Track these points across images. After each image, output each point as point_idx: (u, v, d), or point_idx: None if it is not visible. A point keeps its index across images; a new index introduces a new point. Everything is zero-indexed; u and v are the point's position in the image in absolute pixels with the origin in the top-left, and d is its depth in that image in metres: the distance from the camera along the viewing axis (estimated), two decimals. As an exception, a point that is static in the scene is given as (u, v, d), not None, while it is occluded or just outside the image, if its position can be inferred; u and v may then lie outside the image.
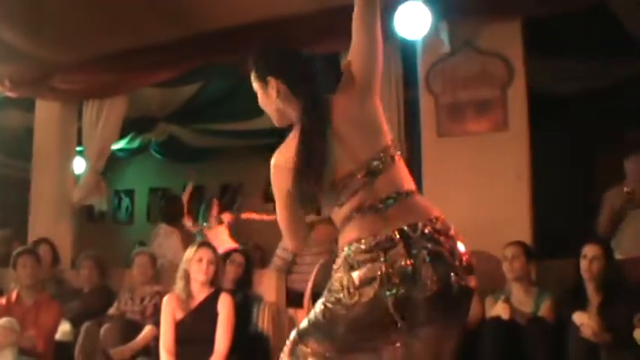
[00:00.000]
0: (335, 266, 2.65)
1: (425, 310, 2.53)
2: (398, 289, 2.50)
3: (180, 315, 4.95)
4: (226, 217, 8.46)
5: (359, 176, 2.64)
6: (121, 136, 8.84)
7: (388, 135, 2.75)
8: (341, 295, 2.57)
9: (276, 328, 5.74)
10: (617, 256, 5.34)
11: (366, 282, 2.53)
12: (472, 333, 4.83)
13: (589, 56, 6.80)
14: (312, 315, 2.70)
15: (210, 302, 4.97)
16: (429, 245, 2.55)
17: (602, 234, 5.61)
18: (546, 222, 5.77)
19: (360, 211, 2.64)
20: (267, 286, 6.11)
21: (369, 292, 2.52)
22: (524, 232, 5.51)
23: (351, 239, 2.62)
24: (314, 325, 2.68)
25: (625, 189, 5.61)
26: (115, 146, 8.99)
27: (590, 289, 4.84)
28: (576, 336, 4.49)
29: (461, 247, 2.63)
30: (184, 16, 6.28)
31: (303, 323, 2.74)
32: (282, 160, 2.74)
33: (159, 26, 6.48)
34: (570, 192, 5.80)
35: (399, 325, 2.53)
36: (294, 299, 6.37)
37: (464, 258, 2.61)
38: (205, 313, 4.95)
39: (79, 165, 8.35)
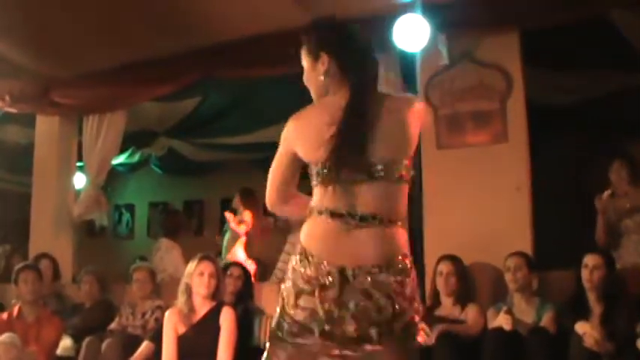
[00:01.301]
0: (292, 259, 2.71)
1: (349, 344, 2.58)
2: (323, 325, 2.58)
3: (182, 329, 4.95)
4: (247, 214, 8.34)
5: (356, 170, 2.60)
6: (121, 151, 8.84)
7: (409, 158, 2.72)
8: (283, 300, 2.71)
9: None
10: (619, 266, 5.34)
11: (300, 306, 2.63)
12: (474, 344, 4.84)
13: (587, 68, 6.82)
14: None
15: (213, 316, 4.96)
16: (360, 298, 2.56)
17: (601, 245, 5.63)
18: (547, 232, 5.77)
19: (329, 213, 2.62)
20: (268, 298, 6.10)
21: (302, 314, 2.62)
22: (524, 243, 5.52)
23: (307, 246, 2.65)
24: (276, 324, 2.78)
25: (606, 192, 5.67)
26: (115, 161, 9.00)
27: (592, 298, 4.84)
28: (579, 346, 4.48)
29: (393, 298, 2.59)
30: (184, 31, 6.30)
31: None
32: (309, 125, 2.72)
33: (159, 41, 6.50)
34: (570, 202, 5.81)
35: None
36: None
37: (389, 310, 2.57)
38: (207, 326, 4.95)
39: (79, 180, 8.36)
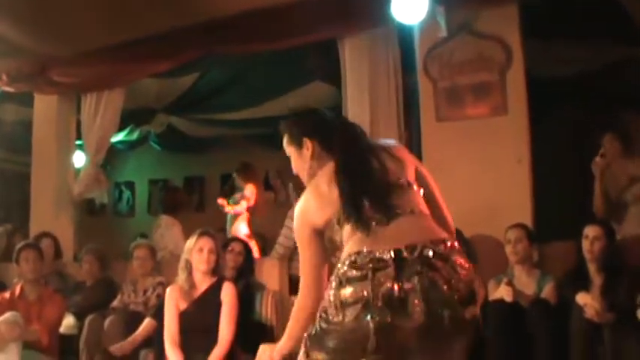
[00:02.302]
0: (331, 279, 2.58)
1: (412, 341, 2.41)
2: (381, 315, 2.39)
3: (183, 305, 4.96)
4: (250, 188, 8.34)
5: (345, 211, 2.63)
6: (120, 129, 8.83)
7: (411, 174, 2.76)
8: (329, 310, 2.51)
9: (279, 316, 5.75)
10: (619, 237, 5.35)
11: (351, 302, 2.44)
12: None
13: (587, 39, 6.78)
14: (314, 325, 2.62)
15: (213, 291, 4.97)
16: (424, 271, 2.42)
17: (599, 215, 5.63)
18: (547, 204, 5.77)
19: (364, 224, 2.59)
20: (270, 273, 6.12)
21: (353, 313, 2.43)
22: (525, 215, 5.52)
23: (349, 253, 2.55)
24: (314, 336, 2.60)
25: (599, 156, 5.66)
26: (114, 139, 8.99)
27: (592, 269, 4.85)
28: (579, 316, 4.50)
29: (463, 274, 2.48)
30: (181, 6, 6.26)
31: (310, 331, 2.66)
32: (312, 201, 2.76)
33: (156, 17, 6.46)
34: (570, 174, 5.80)
35: (381, 351, 2.41)
36: (297, 286, 6.37)
37: (463, 287, 2.45)
38: (208, 302, 4.95)
39: (78, 158, 8.35)
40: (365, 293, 2.41)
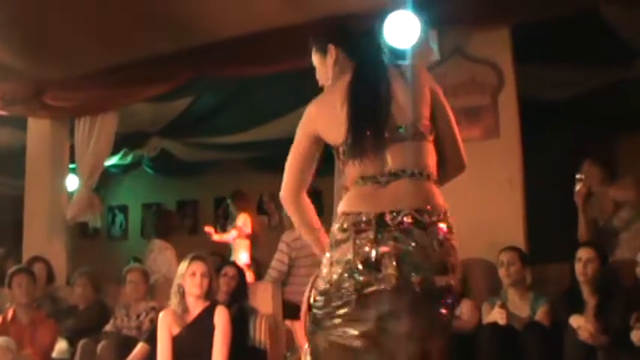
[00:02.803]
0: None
1: (388, 303, 2.53)
2: (359, 275, 2.54)
3: (176, 330, 4.94)
4: (242, 218, 8.35)
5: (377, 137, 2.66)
6: (114, 152, 8.83)
7: (427, 119, 2.76)
8: (324, 269, 2.66)
9: (273, 341, 5.73)
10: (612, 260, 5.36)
11: (338, 261, 2.59)
12: (469, 339, 4.85)
13: (578, 62, 6.83)
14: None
15: (207, 316, 4.96)
16: (401, 238, 2.54)
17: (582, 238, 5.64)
18: (540, 227, 5.78)
19: (361, 181, 2.67)
20: (263, 298, 6.10)
21: (338, 270, 2.58)
22: (517, 238, 5.53)
23: (340, 213, 2.67)
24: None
25: (579, 186, 5.65)
26: (108, 162, 8.98)
27: (586, 291, 4.85)
28: (573, 339, 4.50)
29: (439, 245, 2.59)
30: (175, 30, 6.29)
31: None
32: (326, 106, 2.80)
33: (150, 41, 6.49)
34: (563, 196, 5.81)
35: (362, 308, 2.55)
36: (291, 311, 6.36)
37: (436, 257, 2.57)
38: (202, 327, 4.94)
39: (71, 182, 8.33)
40: (348, 255, 2.56)
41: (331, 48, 2.92)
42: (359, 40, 2.91)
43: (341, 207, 2.69)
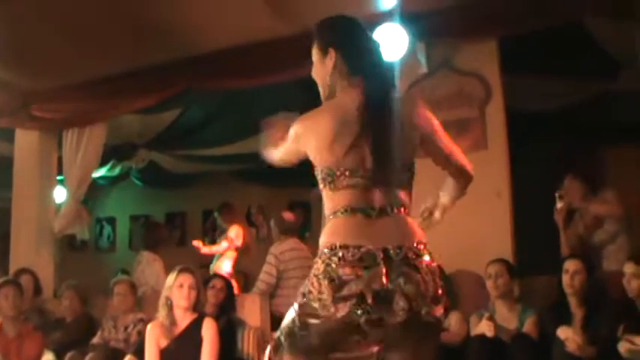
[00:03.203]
0: (314, 268, 2.63)
1: (395, 336, 2.59)
2: (371, 311, 2.52)
3: (164, 342, 4.93)
4: (234, 229, 8.35)
5: (372, 168, 2.65)
6: (102, 164, 8.82)
7: (411, 157, 2.81)
8: (316, 305, 2.58)
9: (261, 353, 5.72)
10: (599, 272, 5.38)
11: (342, 298, 2.53)
12: (457, 351, 4.85)
13: (565, 74, 6.87)
14: (285, 323, 2.73)
15: (194, 328, 4.95)
16: (407, 272, 2.57)
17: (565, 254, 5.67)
18: (528, 239, 5.80)
19: (349, 210, 2.64)
20: (251, 310, 6.09)
21: (344, 308, 2.53)
22: (505, 250, 5.53)
23: (333, 242, 2.61)
24: (288, 334, 2.71)
25: (559, 204, 5.72)
26: (96, 174, 8.97)
27: (573, 303, 4.86)
28: (561, 351, 4.50)
29: (434, 275, 2.67)
30: (163, 43, 6.30)
31: (278, 333, 2.77)
32: (319, 123, 2.73)
33: (138, 53, 6.50)
34: (551, 208, 5.83)
35: (368, 342, 2.62)
36: (279, 323, 6.34)
37: (433, 288, 2.63)
38: (189, 339, 4.93)
39: (59, 194, 8.31)
40: (356, 290, 2.53)
41: (331, 52, 2.83)
42: (362, 53, 2.85)
43: (331, 237, 2.64)
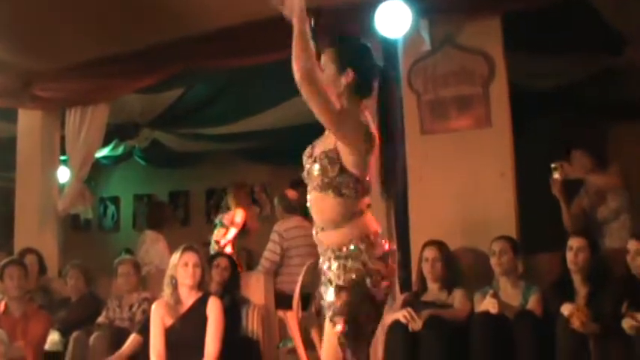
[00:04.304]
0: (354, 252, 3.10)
1: None
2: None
3: (169, 321, 4.95)
4: (239, 214, 8.34)
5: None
6: (105, 144, 8.81)
7: None
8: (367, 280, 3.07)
9: (265, 331, 5.75)
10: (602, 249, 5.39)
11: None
12: (461, 328, 4.86)
13: (569, 51, 6.83)
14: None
15: (199, 307, 4.96)
16: None
17: (571, 230, 5.67)
18: (531, 216, 5.79)
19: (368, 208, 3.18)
20: (255, 288, 6.11)
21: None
22: (509, 227, 5.53)
23: (368, 232, 3.13)
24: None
25: (555, 175, 5.73)
26: (99, 154, 8.96)
27: (577, 280, 4.87)
28: (565, 327, 4.51)
29: None
30: (165, 22, 6.26)
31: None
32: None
33: (140, 32, 6.46)
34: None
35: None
36: (283, 301, 6.38)
37: None
38: (194, 318, 4.94)
39: (63, 174, 8.31)
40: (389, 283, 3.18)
41: (349, 72, 3.17)
42: (371, 80, 3.25)
43: (366, 227, 3.17)
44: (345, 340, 3.02)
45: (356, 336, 3.04)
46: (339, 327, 3.03)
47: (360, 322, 3.04)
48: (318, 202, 3.17)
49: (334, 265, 3.10)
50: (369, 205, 3.22)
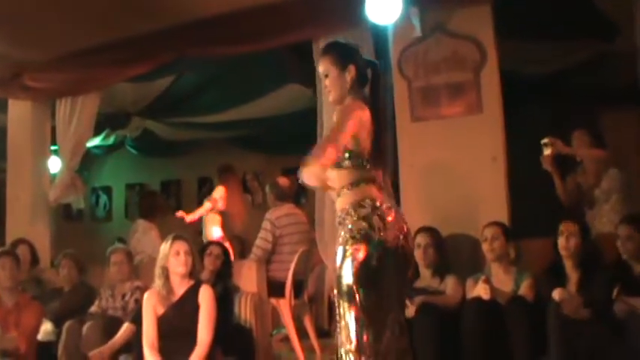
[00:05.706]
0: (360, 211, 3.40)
1: None
2: None
3: (161, 310, 4.95)
4: (219, 190, 8.33)
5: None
6: (96, 133, 8.79)
7: None
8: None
9: (258, 319, 5.75)
10: (593, 233, 5.40)
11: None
12: (453, 314, 4.88)
13: (560, 37, 6.84)
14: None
15: (191, 295, 4.96)
16: None
17: (567, 204, 5.70)
18: (523, 202, 5.81)
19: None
20: (248, 276, 6.11)
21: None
22: (501, 213, 5.55)
23: (380, 204, 3.45)
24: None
25: (543, 141, 5.78)
26: (90, 143, 8.94)
27: (569, 266, 4.89)
28: (556, 313, 4.52)
29: None
30: (155, 10, 6.24)
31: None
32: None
33: (130, 21, 6.43)
34: (546, 171, 5.84)
35: None
36: (276, 289, 6.39)
37: None
38: (186, 306, 4.95)
39: (54, 164, 8.29)
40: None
41: (351, 67, 3.52)
42: (366, 70, 3.59)
43: (372, 199, 3.46)
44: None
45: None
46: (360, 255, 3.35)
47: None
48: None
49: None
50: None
